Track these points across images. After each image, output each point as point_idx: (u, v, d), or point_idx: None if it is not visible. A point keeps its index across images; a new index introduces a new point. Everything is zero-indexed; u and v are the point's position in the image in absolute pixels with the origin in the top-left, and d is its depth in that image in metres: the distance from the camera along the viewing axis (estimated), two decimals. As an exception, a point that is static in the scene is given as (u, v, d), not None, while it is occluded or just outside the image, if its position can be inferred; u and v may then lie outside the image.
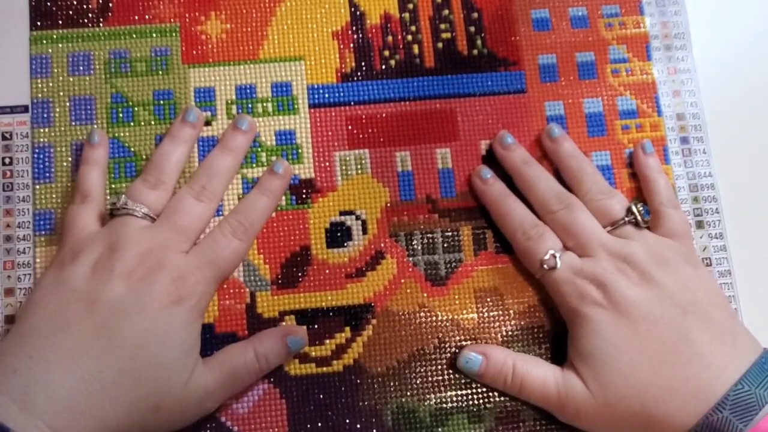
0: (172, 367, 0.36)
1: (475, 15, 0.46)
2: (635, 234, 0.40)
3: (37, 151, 0.43)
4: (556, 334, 0.42)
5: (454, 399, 0.41)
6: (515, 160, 0.43)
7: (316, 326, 0.41)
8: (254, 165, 0.43)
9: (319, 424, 0.40)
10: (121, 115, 0.44)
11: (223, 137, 0.43)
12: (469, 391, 0.41)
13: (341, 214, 0.43)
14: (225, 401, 0.39)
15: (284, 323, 0.41)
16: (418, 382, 0.41)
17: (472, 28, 0.46)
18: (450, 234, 0.43)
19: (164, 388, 0.35)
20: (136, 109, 0.44)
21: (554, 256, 0.40)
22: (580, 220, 0.40)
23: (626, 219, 0.40)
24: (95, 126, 0.43)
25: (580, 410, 0.38)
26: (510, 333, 0.42)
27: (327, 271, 0.42)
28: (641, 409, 0.36)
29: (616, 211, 0.41)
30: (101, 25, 0.45)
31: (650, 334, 0.37)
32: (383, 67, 0.45)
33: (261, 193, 0.42)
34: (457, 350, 0.41)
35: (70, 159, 0.43)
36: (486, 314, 0.42)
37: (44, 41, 0.44)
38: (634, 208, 0.40)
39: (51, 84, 0.44)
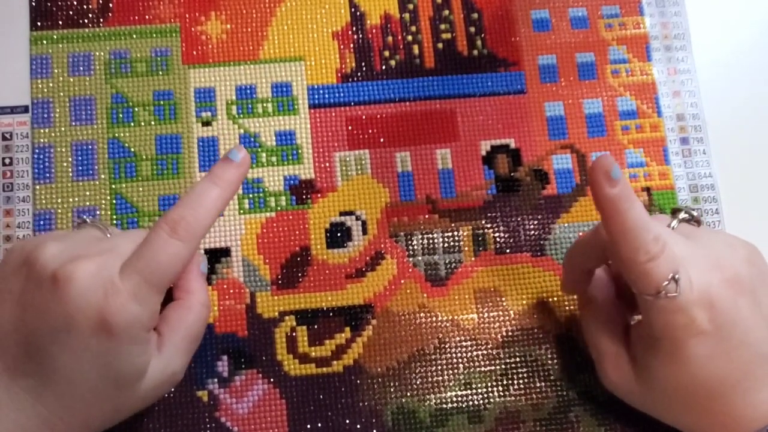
0: (123, 385, 0.33)
1: (475, 15, 0.46)
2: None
3: (37, 151, 0.43)
4: (556, 334, 0.42)
5: (454, 399, 0.41)
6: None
7: (316, 326, 0.41)
8: (254, 165, 0.43)
9: (319, 425, 0.40)
10: (121, 115, 0.44)
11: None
12: (469, 392, 0.41)
13: (341, 214, 0.43)
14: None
15: (284, 324, 0.41)
16: (418, 382, 0.41)
17: (472, 29, 0.46)
18: (450, 234, 0.43)
19: (117, 400, 0.34)
20: (136, 109, 0.44)
21: (675, 281, 0.32)
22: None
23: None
24: (94, 125, 0.43)
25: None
26: (510, 333, 0.42)
27: (327, 272, 0.42)
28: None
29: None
30: (101, 25, 0.45)
31: (741, 360, 0.33)
32: (383, 67, 0.45)
33: (212, 182, 0.34)
34: (457, 351, 0.41)
35: (70, 159, 0.43)
36: (486, 314, 0.42)
37: (44, 41, 0.44)
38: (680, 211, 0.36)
39: (51, 84, 0.44)
